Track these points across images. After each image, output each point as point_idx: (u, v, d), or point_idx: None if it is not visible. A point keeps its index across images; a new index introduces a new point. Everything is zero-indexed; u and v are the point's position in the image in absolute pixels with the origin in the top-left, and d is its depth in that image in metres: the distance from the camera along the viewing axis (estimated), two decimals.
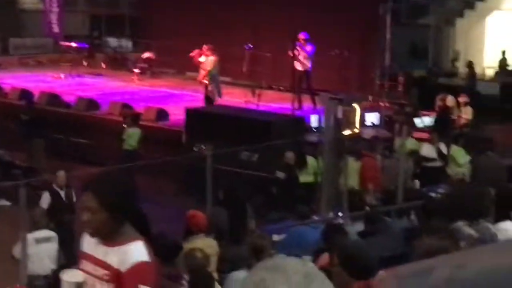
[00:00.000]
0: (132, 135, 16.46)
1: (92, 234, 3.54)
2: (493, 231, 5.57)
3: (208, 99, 19.33)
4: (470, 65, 23.66)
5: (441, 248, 3.87)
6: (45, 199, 11.65)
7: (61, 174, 12.07)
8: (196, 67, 20.52)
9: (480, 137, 9.41)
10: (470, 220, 5.47)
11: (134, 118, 17.11)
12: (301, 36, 19.30)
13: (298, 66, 19.35)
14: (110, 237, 3.51)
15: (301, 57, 19.24)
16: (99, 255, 3.53)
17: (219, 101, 19.47)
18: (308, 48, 19.23)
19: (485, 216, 5.74)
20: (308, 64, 19.34)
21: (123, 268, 3.43)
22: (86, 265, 3.58)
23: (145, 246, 3.51)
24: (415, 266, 1.26)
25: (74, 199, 12.09)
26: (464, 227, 5.41)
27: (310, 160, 14.84)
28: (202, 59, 19.26)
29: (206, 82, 19.06)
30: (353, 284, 4.49)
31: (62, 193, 11.82)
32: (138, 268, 3.42)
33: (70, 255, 10.86)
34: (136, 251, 3.48)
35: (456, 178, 13.13)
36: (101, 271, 3.50)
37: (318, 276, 1.43)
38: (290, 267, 1.41)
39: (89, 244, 3.60)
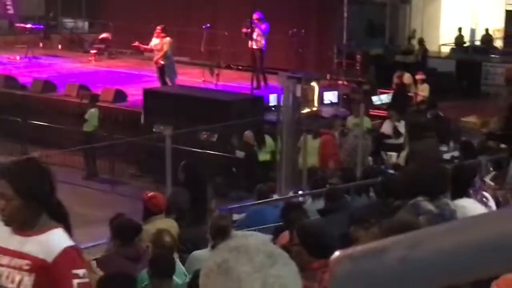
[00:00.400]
0: (93, 116, 16.38)
1: (7, 223, 3.50)
2: (452, 207, 5.65)
3: (163, 80, 19.18)
4: (421, 42, 23.89)
5: (408, 225, 3.92)
6: None
7: (35, 156, 12.07)
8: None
9: (420, 123, 9.49)
10: (431, 196, 5.55)
11: (94, 99, 17.02)
12: (255, 15, 19.25)
13: (253, 45, 19.30)
14: (26, 226, 3.47)
15: (255, 36, 19.18)
16: (14, 245, 3.48)
17: (175, 81, 19.35)
18: (263, 26, 19.18)
19: (444, 192, 5.83)
20: (263, 42, 19.29)
21: (50, 257, 3.37)
22: (1, 258, 3.52)
23: (65, 232, 3.49)
24: (370, 246, 1.29)
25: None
26: (423, 202, 5.47)
27: (268, 139, 14.91)
28: (155, 41, 19.05)
29: (162, 63, 18.90)
30: (313, 262, 4.52)
31: None
32: (67, 254, 3.38)
33: None
34: (59, 238, 3.43)
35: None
36: (19, 262, 3.43)
37: (281, 256, 1.46)
38: (252, 247, 1.43)
39: (1, 237, 3.55)
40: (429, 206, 5.46)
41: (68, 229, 3.53)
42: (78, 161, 16.18)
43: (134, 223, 7.29)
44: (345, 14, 21.35)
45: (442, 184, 5.78)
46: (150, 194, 8.27)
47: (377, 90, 19.81)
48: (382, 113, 17.38)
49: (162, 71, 19.04)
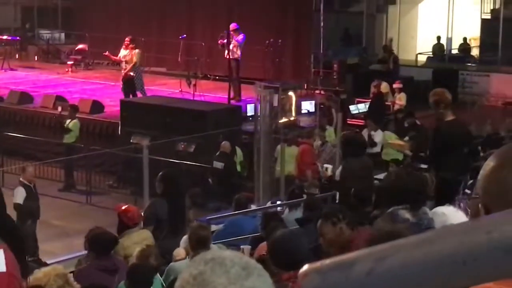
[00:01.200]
0: (75, 127, 16.32)
1: None
2: (430, 217, 5.63)
3: (129, 92, 18.98)
4: (389, 50, 24.05)
5: (390, 233, 3.91)
6: (20, 194, 11.53)
7: (30, 169, 12.00)
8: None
9: (356, 140, 9.52)
10: (412, 206, 5.53)
11: (75, 110, 16.87)
12: (232, 26, 19.26)
13: (230, 55, 19.30)
14: None
15: (231, 46, 19.19)
16: None
17: (145, 92, 19.23)
18: (239, 37, 19.20)
19: (424, 202, 5.81)
20: (239, 53, 19.29)
21: None
22: None
23: (5, 254, 3.35)
24: (338, 260, 1.28)
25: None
26: (401, 211, 5.45)
27: (238, 150, 14.94)
28: (124, 52, 18.93)
29: (132, 74, 18.77)
30: (282, 274, 4.48)
31: (32, 187, 11.77)
32: None
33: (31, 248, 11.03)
34: None
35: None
36: None
37: (256, 268, 1.45)
38: (228, 259, 1.42)
39: None
40: (406, 215, 5.44)
41: (20, 250, 3.39)
42: (55, 172, 16.07)
43: (110, 235, 7.24)
44: (322, 23, 21.43)
45: (422, 193, 5.77)
46: (124, 207, 8.22)
47: (354, 99, 19.87)
48: (360, 122, 17.44)
49: (129, 83, 18.83)
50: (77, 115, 16.79)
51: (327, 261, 1.27)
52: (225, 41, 19.06)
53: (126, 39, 19.10)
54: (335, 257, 1.29)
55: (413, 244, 1.23)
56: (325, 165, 13.77)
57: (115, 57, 19.56)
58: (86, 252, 7.57)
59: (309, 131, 16.01)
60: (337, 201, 9.46)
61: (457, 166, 7.85)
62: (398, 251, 1.24)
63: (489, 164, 1.58)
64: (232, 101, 18.93)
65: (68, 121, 16.36)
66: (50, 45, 28.86)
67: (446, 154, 8.06)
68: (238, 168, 14.70)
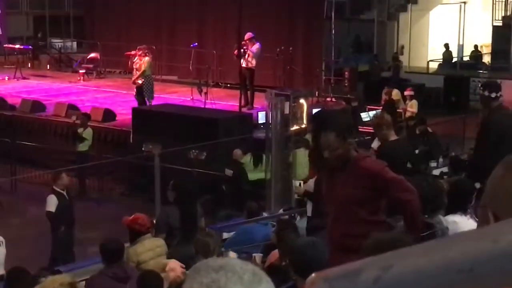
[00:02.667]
0: (89, 135, 16.41)
1: None
2: (445, 225, 5.61)
3: (141, 100, 19.08)
4: (395, 57, 24.03)
5: (391, 242, 3.90)
6: (52, 202, 11.59)
7: (64, 176, 12.04)
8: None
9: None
10: (429, 214, 5.52)
11: (87, 118, 16.97)
12: (247, 36, 19.33)
13: (244, 64, 19.37)
14: None
15: (247, 56, 19.27)
16: None
17: (151, 102, 19.31)
18: (254, 47, 19.25)
19: (439, 210, 5.79)
20: (253, 62, 19.35)
21: None
22: None
23: None
24: (345, 268, 1.29)
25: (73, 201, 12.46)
26: None
27: (247, 157, 14.92)
28: (136, 60, 19.06)
29: (140, 82, 18.86)
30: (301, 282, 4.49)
31: (65, 194, 11.82)
32: None
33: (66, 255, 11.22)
34: None
35: None
36: None
37: (263, 274, 1.46)
38: (237, 266, 1.43)
39: None
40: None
41: None
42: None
43: (120, 243, 7.26)
44: (333, 31, 21.44)
45: (438, 201, 5.76)
46: (132, 216, 8.22)
47: (365, 106, 19.85)
48: (371, 129, 17.40)
49: (140, 91, 18.96)
50: (89, 123, 16.88)
51: (334, 269, 1.28)
52: (241, 51, 19.14)
53: (138, 48, 19.21)
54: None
55: (420, 252, 1.24)
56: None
57: (132, 61, 19.65)
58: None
59: None
60: None
61: None
62: (404, 259, 1.24)
63: (497, 172, 1.58)
64: (244, 109, 18.96)
65: (81, 129, 16.44)
66: (62, 54, 29.01)
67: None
68: (263, 175, 14.51)
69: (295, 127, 17.37)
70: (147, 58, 18.99)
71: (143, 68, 18.78)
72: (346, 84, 22.21)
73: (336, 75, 22.12)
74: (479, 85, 8.26)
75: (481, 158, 7.96)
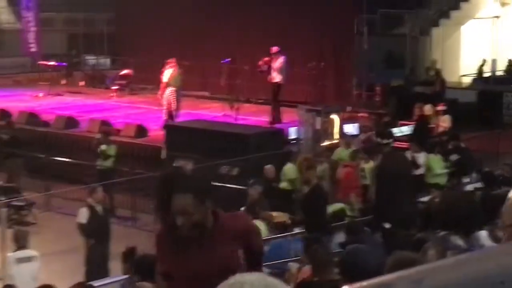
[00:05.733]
0: (113, 152, 16.45)
1: None
2: (481, 242, 5.53)
3: (169, 115, 19.22)
4: (437, 72, 23.84)
5: (409, 260, 3.89)
6: (84, 214, 11.76)
7: (99, 190, 12.20)
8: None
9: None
10: (465, 232, 5.44)
11: (108, 134, 17.00)
12: (272, 50, 19.38)
13: (271, 79, 19.45)
14: None
15: (272, 71, 19.32)
16: None
17: (181, 115, 19.40)
18: (279, 61, 19.27)
19: (476, 228, 5.70)
20: (279, 77, 19.35)
21: None
22: None
23: None
24: (376, 281, 1.30)
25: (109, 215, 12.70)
26: (453, 237, 5.36)
27: (289, 166, 14.84)
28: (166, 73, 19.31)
29: (169, 94, 19.10)
30: None
31: (99, 209, 11.94)
32: None
33: (99, 269, 11.31)
34: None
35: None
36: None
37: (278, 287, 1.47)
38: (247, 283, 1.45)
39: None
40: (458, 241, 5.34)
41: None
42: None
43: (153, 257, 7.27)
44: (365, 46, 21.40)
45: (475, 219, 5.68)
46: None
47: (397, 121, 19.75)
48: (403, 144, 17.32)
49: (168, 105, 19.19)
50: (121, 140, 16.97)
51: (366, 282, 1.29)
52: (266, 65, 19.22)
53: (168, 61, 19.44)
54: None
55: (450, 266, 1.24)
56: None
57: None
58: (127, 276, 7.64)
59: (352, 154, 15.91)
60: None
61: None
62: (435, 273, 1.25)
63: None
64: (272, 125, 19.04)
65: (104, 146, 16.42)
66: (95, 71, 29.28)
67: None
68: (287, 185, 14.42)
69: (326, 142, 17.40)
70: (171, 70, 19.14)
71: (165, 80, 19.00)
72: (377, 99, 22.12)
73: (367, 90, 22.05)
74: None
75: None
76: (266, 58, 19.36)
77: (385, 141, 8.49)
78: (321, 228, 8.31)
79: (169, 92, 19.08)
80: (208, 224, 4.03)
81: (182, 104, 20.42)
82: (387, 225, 9.05)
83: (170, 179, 4.28)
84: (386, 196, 9.21)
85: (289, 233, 10.18)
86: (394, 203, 9.27)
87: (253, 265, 4.19)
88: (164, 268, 4.21)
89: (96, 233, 11.80)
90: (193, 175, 4.99)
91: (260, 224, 9.30)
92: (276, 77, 19.35)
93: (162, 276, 4.30)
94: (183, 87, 20.03)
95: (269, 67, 19.29)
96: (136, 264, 7.13)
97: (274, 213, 9.01)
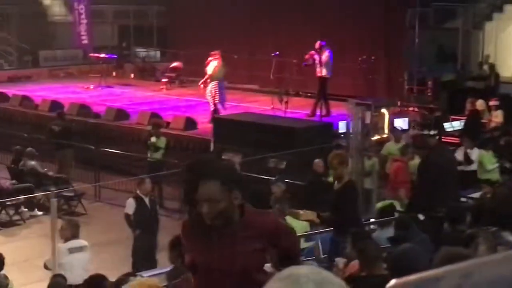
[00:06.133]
0: (163, 144, 16.55)
1: None
2: None
3: (214, 109, 19.31)
4: (492, 67, 23.48)
5: (460, 255, 3.83)
6: (131, 205, 11.90)
7: (147, 181, 12.30)
8: (226, 75, 20.41)
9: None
10: None
11: (158, 127, 17.07)
12: (317, 44, 19.34)
13: (318, 73, 19.46)
14: None
15: (319, 65, 19.30)
16: None
17: (224, 110, 19.43)
18: (325, 55, 19.22)
19: None
20: (325, 71, 19.31)
21: None
22: None
23: None
24: (424, 275, 1.26)
25: (157, 206, 12.76)
26: (505, 233, 5.32)
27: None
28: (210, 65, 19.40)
29: (201, 86, 19.25)
30: None
31: (146, 200, 12.04)
32: None
33: (147, 260, 11.38)
34: None
35: None
36: None
37: (332, 284, 1.44)
38: (303, 275, 1.43)
39: None
40: (509, 237, 5.30)
41: None
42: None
43: None
44: (416, 40, 21.19)
45: None
46: None
47: (449, 116, 19.53)
48: (454, 139, 17.12)
49: (213, 99, 19.28)
50: (170, 132, 17.06)
51: (414, 276, 1.25)
52: (311, 59, 19.22)
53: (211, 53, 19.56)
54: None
55: (499, 261, 1.21)
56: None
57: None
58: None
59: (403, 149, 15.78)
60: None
61: None
62: (484, 268, 1.21)
63: None
64: (311, 118, 19.04)
65: (155, 138, 16.52)
66: (145, 63, 29.52)
67: None
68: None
69: (376, 137, 17.27)
70: (215, 62, 19.19)
71: (209, 72, 19.07)
72: (429, 94, 21.90)
73: (419, 85, 21.84)
74: None
75: None
76: (311, 52, 19.34)
77: (432, 133, 8.41)
78: (353, 225, 8.22)
79: (213, 85, 19.14)
80: (234, 216, 3.83)
81: (230, 97, 20.45)
82: (421, 217, 8.97)
83: (197, 166, 4.06)
84: (429, 189, 9.10)
85: (317, 231, 10.10)
86: (437, 197, 9.17)
87: (287, 265, 4.06)
88: (189, 259, 4.05)
89: (142, 224, 11.88)
90: (222, 163, 4.85)
91: (292, 221, 9.25)
92: (322, 71, 19.31)
93: (188, 268, 4.17)
94: (232, 80, 20.08)
95: (314, 61, 19.27)
96: (183, 254, 7.15)
97: (301, 211, 8.94)
